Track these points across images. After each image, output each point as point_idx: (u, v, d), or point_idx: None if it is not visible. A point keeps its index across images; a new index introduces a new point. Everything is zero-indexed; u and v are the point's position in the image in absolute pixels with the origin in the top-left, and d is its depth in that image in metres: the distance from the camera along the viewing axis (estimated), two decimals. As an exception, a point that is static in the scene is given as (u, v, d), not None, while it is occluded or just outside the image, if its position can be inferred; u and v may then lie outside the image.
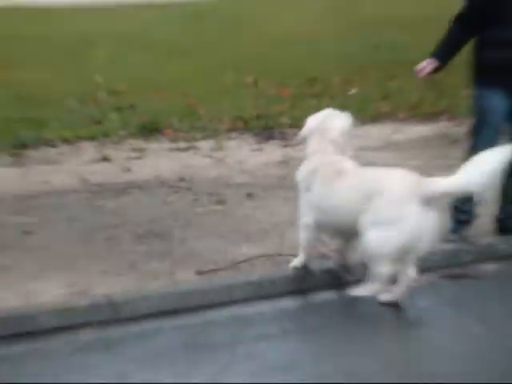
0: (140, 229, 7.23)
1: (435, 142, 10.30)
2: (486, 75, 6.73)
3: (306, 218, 6.21)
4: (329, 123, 6.31)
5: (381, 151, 10.02)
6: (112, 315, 5.78)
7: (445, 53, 6.80)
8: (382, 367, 5.20)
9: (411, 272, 5.90)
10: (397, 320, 5.94)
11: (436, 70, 6.80)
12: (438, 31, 7.10)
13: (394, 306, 5.94)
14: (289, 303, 6.09)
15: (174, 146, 10.03)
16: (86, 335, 5.57)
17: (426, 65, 6.77)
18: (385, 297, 5.94)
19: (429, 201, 5.64)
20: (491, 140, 6.61)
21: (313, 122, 6.42)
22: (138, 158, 9.51)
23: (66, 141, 10.09)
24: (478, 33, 6.73)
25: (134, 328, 5.69)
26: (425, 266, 6.04)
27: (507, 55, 6.60)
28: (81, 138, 10.16)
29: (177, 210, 7.74)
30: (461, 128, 10.98)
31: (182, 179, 8.66)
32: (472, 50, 6.83)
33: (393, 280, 5.91)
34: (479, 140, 6.75)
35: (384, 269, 5.82)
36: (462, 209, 6.78)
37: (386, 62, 15.47)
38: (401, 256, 5.82)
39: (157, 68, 14.92)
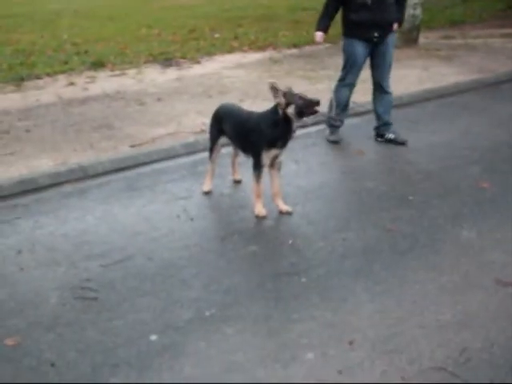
0: (95, 123, 6.82)
1: (265, 62, 10.06)
2: (350, 29, 5.87)
3: None
4: None
5: (234, 69, 9.71)
6: (82, 175, 5.50)
7: (326, 24, 5.81)
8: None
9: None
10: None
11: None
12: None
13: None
14: (185, 160, 5.87)
15: (112, 73, 9.43)
16: (68, 188, 5.29)
17: (319, 38, 5.80)
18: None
19: None
20: (354, 73, 6.02)
21: None
22: (92, 82, 8.89)
23: (48, 75, 9.37)
24: (344, 2, 5.81)
25: (95, 182, 5.41)
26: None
27: (363, 17, 5.75)
28: (56, 73, 9.47)
29: (116, 111, 7.31)
30: (280, 54, 10.81)
31: (118, 93, 8.17)
32: (342, 12, 5.88)
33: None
34: (347, 73, 6.05)
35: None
36: (335, 118, 6.25)
37: (235, 18, 15.00)
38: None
39: (99, 29, 14.00)
